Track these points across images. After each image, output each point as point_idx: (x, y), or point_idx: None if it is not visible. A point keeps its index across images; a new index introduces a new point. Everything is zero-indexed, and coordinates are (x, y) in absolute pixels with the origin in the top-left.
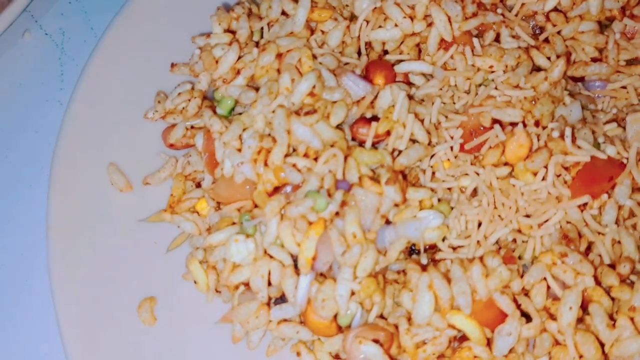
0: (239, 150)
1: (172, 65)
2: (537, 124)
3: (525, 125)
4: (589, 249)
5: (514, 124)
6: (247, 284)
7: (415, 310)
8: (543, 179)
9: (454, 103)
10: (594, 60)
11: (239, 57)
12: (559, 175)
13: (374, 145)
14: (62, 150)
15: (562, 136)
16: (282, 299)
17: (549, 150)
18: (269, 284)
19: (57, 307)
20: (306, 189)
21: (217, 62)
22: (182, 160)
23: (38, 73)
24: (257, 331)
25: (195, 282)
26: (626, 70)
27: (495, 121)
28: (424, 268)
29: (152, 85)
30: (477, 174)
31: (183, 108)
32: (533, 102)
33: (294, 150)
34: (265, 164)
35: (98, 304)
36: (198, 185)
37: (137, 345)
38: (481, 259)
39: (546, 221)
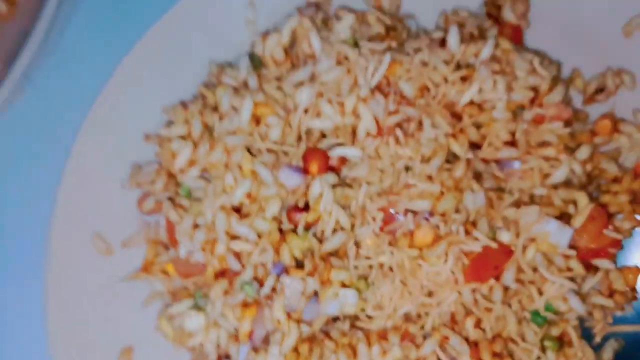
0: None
1: (146, 136)
2: (443, 214)
3: (432, 215)
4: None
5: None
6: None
7: None
8: (445, 262)
9: (381, 182)
10: (509, 143)
11: (195, 149)
12: (458, 259)
13: (308, 229)
14: (56, 222)
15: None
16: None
17: (449, 241)
18: (219, 345)
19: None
20: (241, 279)
21: (174, 155)
22: (154, 226)
23: (24, 128)
24: None
25: (164, 335)
26: (535, 152)
27: (408, 209)
28: (343, 334)
29: (130, 157)
30: (393, 254)
31: (152, 182)
32: (440, 196)
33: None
34: (212, 253)
35: (87, 349)
36: (167, 247)
37: None
38: (384, 332)
39: (443, 300)
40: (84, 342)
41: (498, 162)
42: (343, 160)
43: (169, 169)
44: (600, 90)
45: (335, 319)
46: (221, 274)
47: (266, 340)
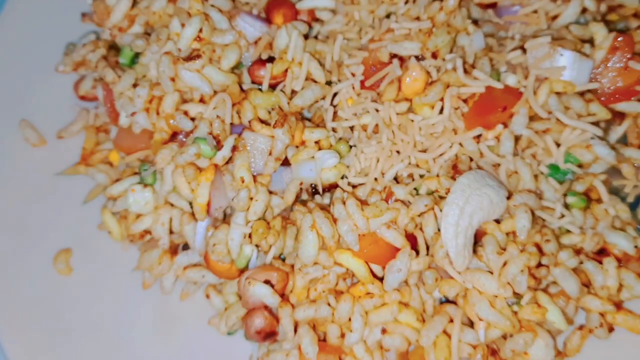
0: (132, 100)
1: (83, 15)
2: (434, 56)
3: (421, 59)
4: None
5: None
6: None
7: (300, 250)
8: (441, 111)
9: (361, 38)
10: None
11: (134, 4)
12: (457, 108)
13: (273, 87)
14: None
15: (456, 68)
16: (188, 245)
17: (444, 82)
18: (172, 231)
19: None
20: (194, 136)
21: (109, 12)
22: (92, 112)
23: None
24: (168, 277)
25: (109, 232)
26: None
27: (395, 56)
28: (325, 208)
29: (64, 38)
30: (377, 110)
31: (89, 58)
32: (430, 34)
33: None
34: (158, 113)
35: (15, 255)
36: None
37: (53, 296)
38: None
39: (442, 154)
40: (15, 244)
41: (495, 7)
42: (312, 17)
43: (108, 41)
44: None
45: (314, 194)
46: (169, 140)
47: (227, 219)
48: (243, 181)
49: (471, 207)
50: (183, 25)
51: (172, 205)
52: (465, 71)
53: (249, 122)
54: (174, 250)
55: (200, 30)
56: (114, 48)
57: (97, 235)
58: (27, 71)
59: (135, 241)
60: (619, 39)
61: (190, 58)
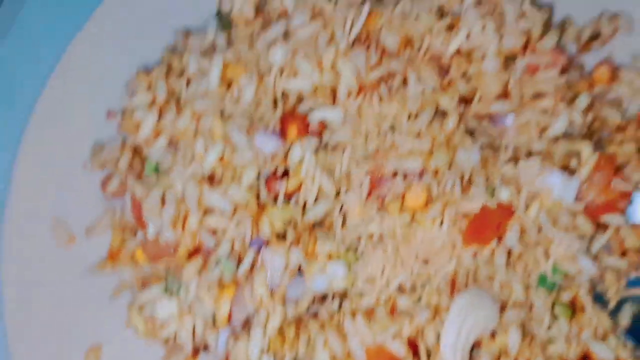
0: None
1: (109, 113)
2: (435, 173)
3: (422, 175)
4: None
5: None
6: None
7: None
8: (441, 225)
9: (366, 146)
10: (501, 95)
11: (160, 118)
12: (455, 223)
13: (289, 199)
14: (11, 207)
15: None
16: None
17: (443, 202)
18: (194, 334)
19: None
20: (217, 255)
21: (137, 126)
22: (119, 211)
23: None
24: None
25: (135, 329)
26: (530, 104)
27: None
28: (331, 315)
29: (92, 135)
30: (382, 221)
31: (116, 160)
32: (431, 153)
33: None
34: (183, 229)
35: (51, 349)
36: (136, 232)
37: None
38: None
39: (441, 267)
40: (46, 340)
41: (490, 117)
42: (324, 125)
43: (133, 145)
44: (595, 36)
45: (324, 298)
46: (194, 252)
47: (247, 325)
48: (261, 301)
49: (468, 325)
50: (207, 147)
51: (195, 313)
52: (463, 189)
53: (267, 241)
54: (195, 351)
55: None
56: (138, 154)
57: (125, 330)
58: (56, 169)
59: (163, 343)
60: (602, 161)
61: (213, 180)
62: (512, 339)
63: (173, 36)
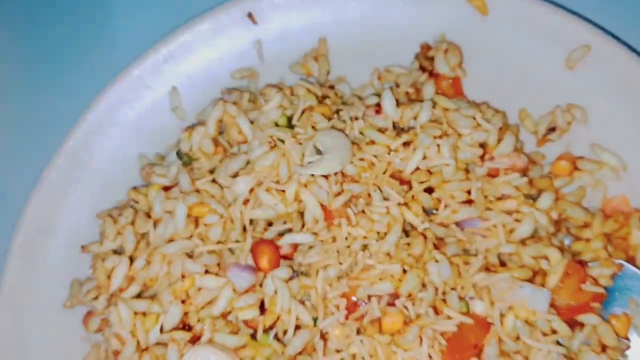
0: None
1: (83, 247)
2: (409, 295)
3: (397, 297)
4: None
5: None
6: None
7: None
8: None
9: (340, 264)
10: (467, 201)
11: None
12: (434, 341)
13: (267, 331)
14: None
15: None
16: None
17: (419, 324)
18: None
19: None
20: None
21: (109, 276)
22: (104, 346)
23: None
24: None
25: None
26: (495, 206)
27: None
28: None
29: (69, 272)
30: (363, 342)
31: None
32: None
33: None
34: None
35: None
36: None
37: None
38: None
39: None
40: None
41: (457, 223)
42: (295, 247)
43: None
44: (552, 129)
45: None
46: None
47: None
48: None
49: None
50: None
51: None
52: (436, 311)
53: None
54: None
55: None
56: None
57: None
58: (37, 312)
59: None
60: (570, 268)
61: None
62: None
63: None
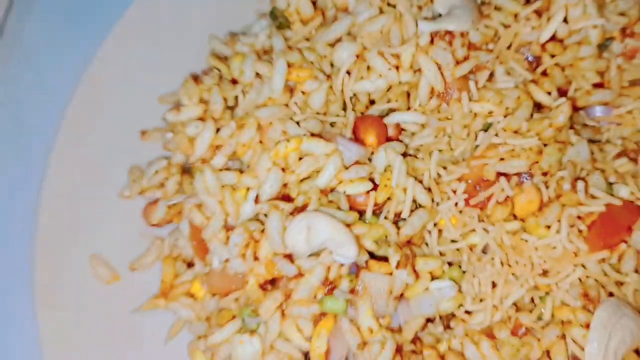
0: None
1: (142, 132)
2: (544, 173)
3: (532, 176)
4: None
5: (519, 175)
6: None
7: None
8: (557, 232)
9: (452, 150)
10: (596, 85)
11: (216, 131)
12: (572, 226)
13: (375, 213)
14: (40, 246)
15: (573, 187)
16: None
17: (561, 203)
18: None
19: None
20: (311, 282)
21: (192, 141)
22: (168, 240)
23: None
24: None
25: None
26: (630, 92)
27: (500, 173)
28: (437, 349)
29: (124, 159)
30: (486, 230)
31: (161, 184)
32: (539, 151)
33: None
34: (255, 258)
35: None
36: (190, 264)
37: None
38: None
39: (565, 277)
40: None
41: (583, 109)
42: (399, 130)
43: (180, 165)
44: None
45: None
46: (270, 282)
47: None
48: (372, 331)
49: (615, 343)
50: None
51: (279, 351)
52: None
53: (366, 262)
54: None
55: None
56: (187, 172)
57: None
58: (89, 200)
59: None
60: None
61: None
62: None
63: (208, 43)
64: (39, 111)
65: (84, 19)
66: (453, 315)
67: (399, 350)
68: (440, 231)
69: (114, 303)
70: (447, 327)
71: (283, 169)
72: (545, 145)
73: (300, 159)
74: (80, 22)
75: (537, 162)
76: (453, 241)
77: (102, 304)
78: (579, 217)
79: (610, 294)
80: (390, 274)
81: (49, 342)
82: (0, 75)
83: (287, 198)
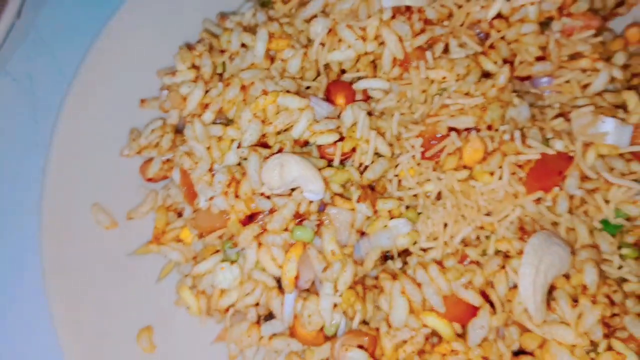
0: (211, 184)
1: (142, 101)
2: (489, 127)
3: (478, 130)
4: None
5: (468, 130)
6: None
7: (392, 315)
8: (500, 178)
9: (412, 113)
10: (538, 58)
11: (206, 92)
12: (513, 174)
13: (342, 162)
14: (48, 195)
15: (512, 138)
16: (270, 316)
17: (502, 152)
18: (256, 303)
19: (62, 344)
20: (283, 214)
21: (184, 99)
22: (162, 193)
23: (10, 120)
24: (250, 347)
25: (187, 308)
26: (568, 65)
27: (451, 129)
28: (395, 275)
29: (125, 123)
30: (439, 179)
31: (157, 143)
32: (484, 108)
33: None
34: (236, 196)
35: (99, 338)
36: (180, 214)
37: None
38: (440, 262)
39: (506, 216)
40: (95, 327)
41: (529, 79)
42: (366, 95)
43: (174, 125)
44: (619, 3)
45: (384, 260)
46: (249, 219)
47: (312, 288)
48: (334, 254)
49: (545, 266)
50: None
51: (255, 280)
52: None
53: (331, 198)
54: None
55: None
56: (179, 132)
57: (174, 311)
58: (92, 157)
59: (220, 315)
60: None
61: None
62: (589, 276)
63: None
64: (49, 86)
65: (92, 3)
66: (410, 254)
67: (361, 282)
68: (400, 181)
69: (112, 247)
70: (405, 264)
71: (262, 121)
72: (489, 103)
73: (277, 113)
74: (88, 6)
75: (482, 118)
76: (410, 189)
77: (101, 248)
78: (519, 166)
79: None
80: (353, 209)
81: (52, 278)
82: (16, 54)
83: (265, 146)
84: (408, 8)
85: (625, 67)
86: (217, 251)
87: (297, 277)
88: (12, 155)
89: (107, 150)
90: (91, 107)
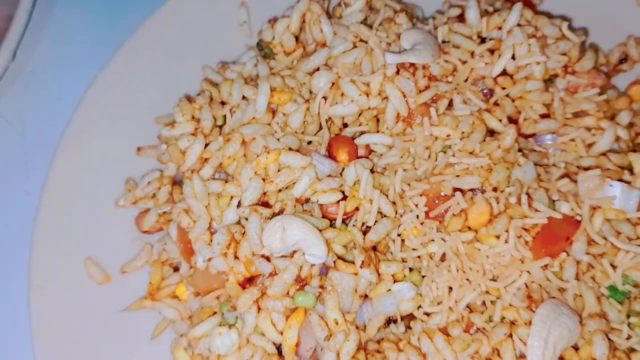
0: (210, 244)
1: (139, 149)
2: (495, 189)
3: (483, 192)
4: None
5: (473, 190)
6: None
7: None
8: (506, 241)
9: (415, 169)
10: (543, 116)
11: (205, 146)
12: (519, 237)
13: (344, 222)
14: (38, 246)
15: (519, 201)
16: None
17: (509, 215)
18: None
19: None
20: (284, 278)
21: (183, 153)
22: (157, 246)
23: (1, 162)
24: None
25: None
26: (573, 122)
27: (455, 189)
28: (399, 342)
29: (120, 171)
30: (444, 240)
31: (154, 194)
32: (489, 169)
33: None
34: (236, 257)
35: None
36: (176, 269)
37: None
38: (445, 329)
39: (512, 282)
40: None
41: (533, 136)
42: (369, 150)
43: (171, 177)
44: (623, 59)
45: (387, 324)
46: (248, 281)
47: (314, 355)
48: (337, 323)
49: (554, 338)
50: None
51: (254, 345)
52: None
53: (334, 262)
54: None
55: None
56: (177, 184)
57: None
58: (86, 208)
59: None
60: None
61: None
62: (599, 349)
63: (202, 71)
64: (42, 129)
65: (89, 43)
66: (413, 317)
67: (364, 348)
68: (403, 240)
69: (104, 302)
70: (408, 327)
71: (264, 179)
72: (495, 164)
73: (278, 171)
74: (85, 46)
75: (487, 179)
76: (414, 249)
77: (93, 303)
78: (525, 229)
79: (553, 298)
80: (356, 274)
81: (40, 335)
82: (9, 96)
83: (266, 205)
84: (412, 64)
85: (629, 125)
86: (215, 313)
87: (297, 345)
88: (2, 202)
89: (101, 199)
90: (85, 154)
